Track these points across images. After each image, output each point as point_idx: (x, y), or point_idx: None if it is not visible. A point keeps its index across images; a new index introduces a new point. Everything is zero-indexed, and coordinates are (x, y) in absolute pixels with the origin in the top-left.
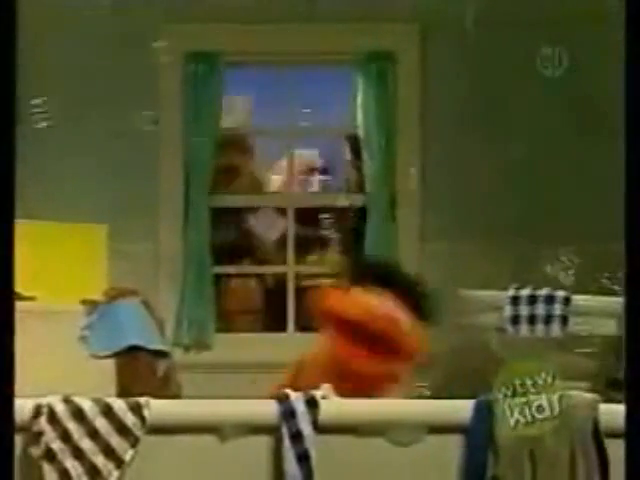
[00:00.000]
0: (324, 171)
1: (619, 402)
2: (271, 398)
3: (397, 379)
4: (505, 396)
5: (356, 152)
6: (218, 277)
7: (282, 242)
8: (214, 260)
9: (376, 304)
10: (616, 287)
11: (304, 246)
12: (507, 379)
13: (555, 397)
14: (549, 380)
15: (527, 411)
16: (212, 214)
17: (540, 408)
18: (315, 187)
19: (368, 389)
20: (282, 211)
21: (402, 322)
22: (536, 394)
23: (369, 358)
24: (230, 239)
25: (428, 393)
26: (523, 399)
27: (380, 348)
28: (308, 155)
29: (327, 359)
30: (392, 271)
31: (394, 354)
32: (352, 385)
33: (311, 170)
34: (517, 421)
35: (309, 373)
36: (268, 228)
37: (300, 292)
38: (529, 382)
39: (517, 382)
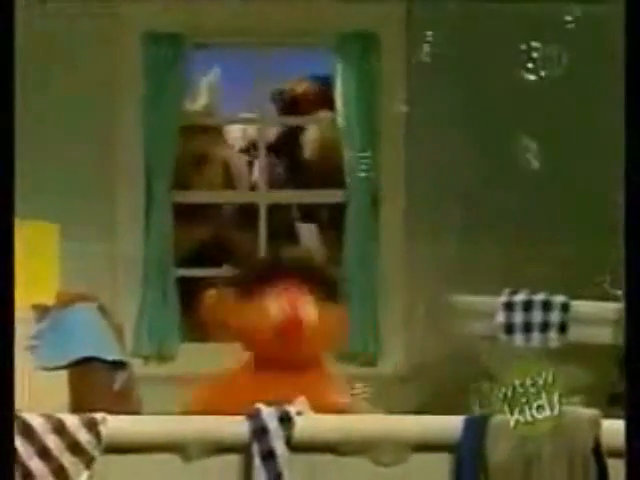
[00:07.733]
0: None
1: (622, 418)
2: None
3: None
4: (505, 396)
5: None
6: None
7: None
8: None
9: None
10: (619, 292)
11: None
12: (507, 379)
13: (555, 397)
14: (549, 380)
15: (527, 411)
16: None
17: (540, 408)
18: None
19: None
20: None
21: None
22: (536, 394)
23: None
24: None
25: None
26: (523, 399)
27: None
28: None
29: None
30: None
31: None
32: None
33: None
34: (517, 421)
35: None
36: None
37: None
38: (529, 382)
39: (517, 382)
